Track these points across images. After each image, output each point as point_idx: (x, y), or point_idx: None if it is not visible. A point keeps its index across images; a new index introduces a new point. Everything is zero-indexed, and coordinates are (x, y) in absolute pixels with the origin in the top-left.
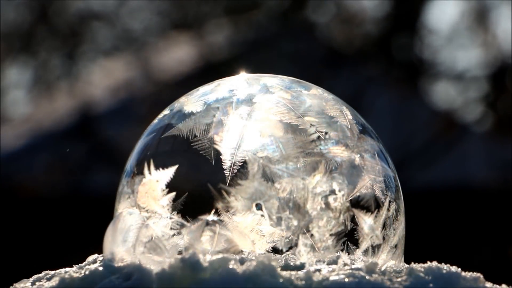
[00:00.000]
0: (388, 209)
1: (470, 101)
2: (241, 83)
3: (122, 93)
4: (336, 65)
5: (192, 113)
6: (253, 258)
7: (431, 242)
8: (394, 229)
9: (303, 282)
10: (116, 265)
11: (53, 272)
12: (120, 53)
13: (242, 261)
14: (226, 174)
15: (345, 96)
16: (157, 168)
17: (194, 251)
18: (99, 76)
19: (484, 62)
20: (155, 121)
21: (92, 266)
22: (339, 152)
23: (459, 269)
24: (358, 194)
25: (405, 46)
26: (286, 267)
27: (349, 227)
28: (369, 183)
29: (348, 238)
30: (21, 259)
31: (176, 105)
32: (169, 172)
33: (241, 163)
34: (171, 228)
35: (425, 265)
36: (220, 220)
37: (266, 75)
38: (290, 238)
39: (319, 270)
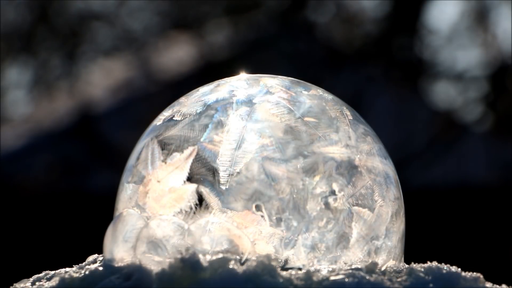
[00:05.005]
0: (388, 209)
1: (470, 101)
2: (241, 83)
3: (122, 93)
4: (336, 65)
5: (191, 114)
6: (253, 258)
7: (431, 242)
8: (394, 229)
9: (303, 282)
10: (116, 265)
11: (53, 272)
12: (120, 53)
13: (242, 261)
14: (226, 175)
15: (345, 96)
16: (157, 168)
17: (194, 251)
18: (99, 76)
19: (484, 62)
20: (155, 121)
21: (92, 266)
22: (339, 153)
23: (459, 269)
24: (358, 194)
25: (405, 46)
26: (286, 267)
27: (349, 228)
28: (369, 183)
29: (348, 238)
30: (21, 259)
31: (176, 105)
32: (169, 173)
33: (241, 164)
34: (171, 229)
35: (425, 265)
36: (220, 220)
37: (266, 76)
38: (290, 238)
39: (319, 270)
